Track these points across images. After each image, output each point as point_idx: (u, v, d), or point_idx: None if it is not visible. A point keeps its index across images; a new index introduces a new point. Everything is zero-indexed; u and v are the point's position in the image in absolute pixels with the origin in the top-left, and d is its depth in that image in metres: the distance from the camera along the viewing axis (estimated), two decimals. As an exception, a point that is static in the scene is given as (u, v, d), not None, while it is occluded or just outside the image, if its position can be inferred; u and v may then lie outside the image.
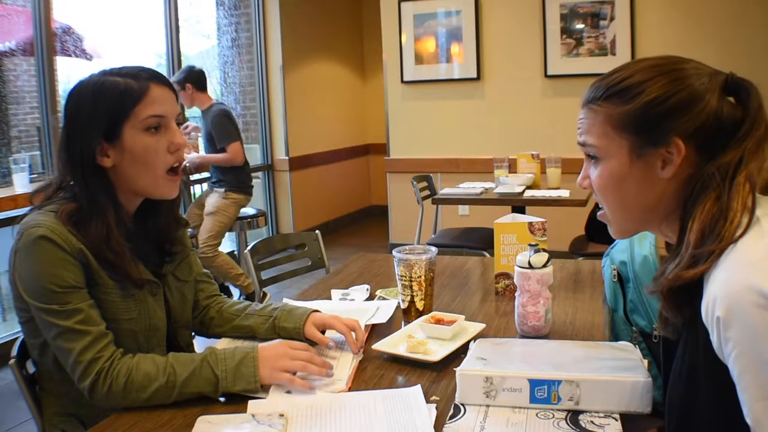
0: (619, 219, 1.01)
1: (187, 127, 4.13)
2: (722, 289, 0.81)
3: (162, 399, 1.18)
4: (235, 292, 4.52)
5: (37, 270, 1.19)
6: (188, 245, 1.49)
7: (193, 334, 1.58)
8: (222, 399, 1.20)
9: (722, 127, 0.91)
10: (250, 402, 1.18)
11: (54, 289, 1.18)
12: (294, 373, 1.23)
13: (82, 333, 1.19)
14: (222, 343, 1.46)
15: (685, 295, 0.89)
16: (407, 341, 1.36)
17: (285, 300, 1.76)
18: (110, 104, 1.24)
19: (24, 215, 1.27)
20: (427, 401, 1.15)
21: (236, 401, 1.19)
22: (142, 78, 1.27)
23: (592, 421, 1.04)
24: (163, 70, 4.89)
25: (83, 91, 1.27)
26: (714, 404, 0.86)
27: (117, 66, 1.31)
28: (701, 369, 0.87)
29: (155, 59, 5.15)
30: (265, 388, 1.21)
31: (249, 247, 2.29)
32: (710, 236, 0.86)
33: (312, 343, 1.40)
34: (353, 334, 1.39)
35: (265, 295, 3.94)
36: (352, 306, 1.70)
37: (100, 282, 1.25)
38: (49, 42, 3.77)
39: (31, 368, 1.39)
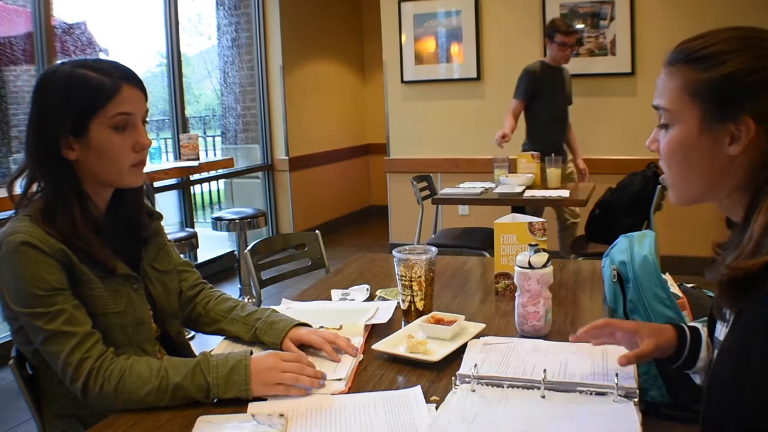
0: (680, 187, 0.99)
1: None
2: None
3: (154, 402, 1.18)
4: (235, 292, 4.52)
5: (21, 276, 1.19)
6: (164, 236, 1.50)
7: (193, 333, 1.58)
8: (215, 401, 1.20)
9: None
10: (251, 402, 1.18)
11: (37, 292, 1.19)
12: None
13: (68, 335, 1.19)
14: (222, 346, 1.46)
15: (741, 286, 0.87)
16: (407, 341, 1.36)
17: (284, 300, 1.76)
18: (80, 99, 1.24)
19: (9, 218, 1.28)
20: (427, 401, 1.15)
21: (236, 401, 1.19)
22: (115, 76, 1.27)
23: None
24: (163, 70, 4.90)
25: (54, 81, 1.26)
26: (760, 402, 0.83)
27: (90, 58, 1.31)
28: (755, 360, 0.84)
29: (155, 59, 5.15)
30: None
31: (249, 247, 2.29)
32: None
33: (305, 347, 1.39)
34: (333, 347, 1.36)
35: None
36: (352, 306, 1.70)
37: (84, 279, 1.25)
38: (49, 41, 3.77)
39: (30, 369, 1.39)
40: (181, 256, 1.58)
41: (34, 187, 1.29)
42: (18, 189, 1.31)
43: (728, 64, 0.90)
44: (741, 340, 0.88)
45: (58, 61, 1.31)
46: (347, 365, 1.31)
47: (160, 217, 1.49)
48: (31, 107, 1.28)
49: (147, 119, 1.35)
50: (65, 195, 1.25)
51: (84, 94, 1.24)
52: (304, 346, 1.38)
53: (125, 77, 1.28)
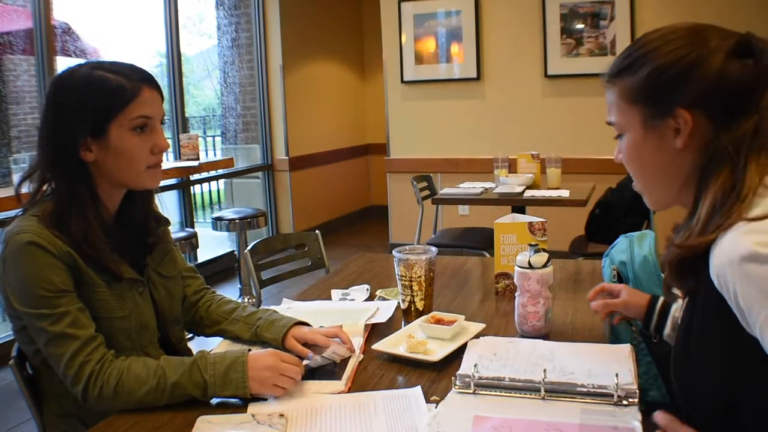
0: (649, 190, 1.02)
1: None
2: (721, 254, 0.81)
3: (153, 402, 1.18)
4: (235, 292, 4.52)
5: (27, 276, 1.19)
6: (171, 241, 1.50)
7: (191, 335, 1.58)
8: (213, 402, 1.20)
9: (730, 91, 0.88)
10: (250, 402, 1.18)
11: (43, 293, 1.18)
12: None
13: (71, 338, 1.19)
14: (221, 346, 1.46)
15: (691, 266, 0.88)
16: (407, 341, 1.36)
17: (284, 300, 1.76)
18: (101, 100, 1.24)
19: (12, 218, 1.27)
20: (427, 401, 1.15)
21: (236, 401, 1.19)
22: (135, 78, 1.27)
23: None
24: (163, 70, 4.90)
25: (72, 83, 1.26)
26: (728, 375, 0.85)
27: (106, 60, 1.30)
28: (716, 337, 0.86)
29: (155, 59, 5.15)
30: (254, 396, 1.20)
31: (249, 247, 2.29)
32: (720, 211, 0.85)
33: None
34: (337, 340, 1.37)
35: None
36: (352, 306, 1.70)
37: (90, 282, 1.25)
38: (49, 41, 3.77)
39: (30, 368, 1.38)
40: (187, 262, 1.58)
41: (44, 188, 1.29)
42: (25, 189, 1.30)
43: (648, 63, 0.93)
44: (701, 325, 0.89)
45: (73, 64, 1.30)
46: (347, 365, 1.31)
47: (167, 222, 1.49)
48: (45, 108, 1.28)
49: (164, 121, 1.35)
50: (79, 197, 1.25)
51: (104, 96, 1.24)
52: (308, 346, 1.38)
53: (144, 79, 1.29)
